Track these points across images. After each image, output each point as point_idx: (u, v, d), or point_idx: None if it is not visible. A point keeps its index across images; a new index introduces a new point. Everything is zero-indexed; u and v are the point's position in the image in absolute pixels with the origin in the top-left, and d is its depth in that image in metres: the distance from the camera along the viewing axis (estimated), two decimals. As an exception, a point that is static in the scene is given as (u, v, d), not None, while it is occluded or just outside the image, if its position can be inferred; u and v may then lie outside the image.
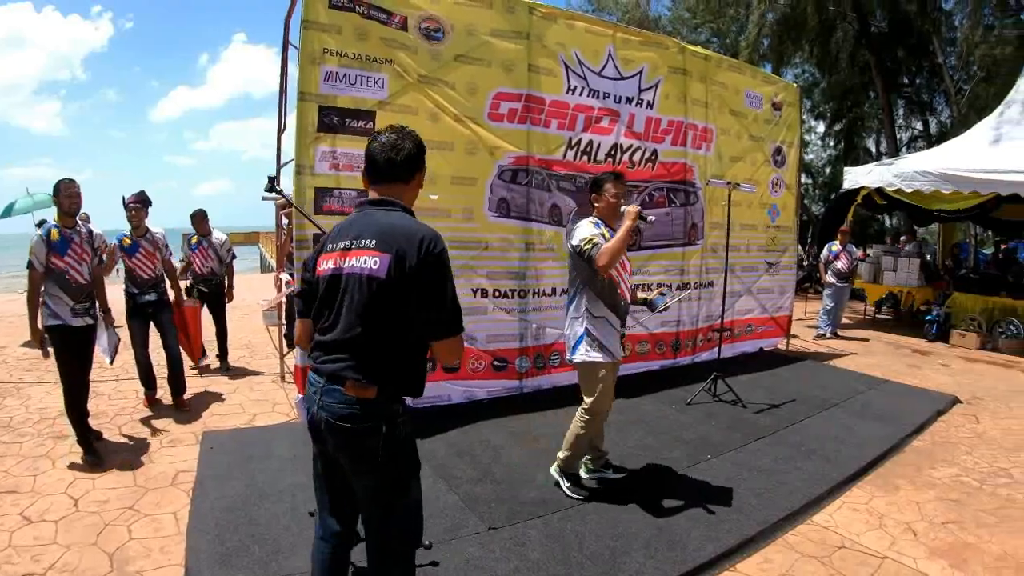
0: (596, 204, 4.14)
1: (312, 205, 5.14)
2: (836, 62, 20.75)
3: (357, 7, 5.22)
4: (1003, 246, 16.23)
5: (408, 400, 5.36)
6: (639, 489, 4.23)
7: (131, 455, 4.77)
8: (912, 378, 8.11)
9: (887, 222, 23.00)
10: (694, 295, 7.61)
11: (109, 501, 4.01)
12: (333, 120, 5.18)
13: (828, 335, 11.00)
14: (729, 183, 6.49)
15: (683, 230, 7.41)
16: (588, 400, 4.06)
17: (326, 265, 2.26)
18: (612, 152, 6.70)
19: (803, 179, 24.57)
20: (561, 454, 4.21)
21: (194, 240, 7.41)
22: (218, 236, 7.49)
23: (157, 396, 6.09)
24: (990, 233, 18.48)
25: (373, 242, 2.18)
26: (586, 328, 3.98)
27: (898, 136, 22.30)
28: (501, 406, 5.92)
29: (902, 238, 16.34)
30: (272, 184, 3.66)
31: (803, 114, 25.15)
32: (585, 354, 3.98)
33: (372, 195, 2.34)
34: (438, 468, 4.42)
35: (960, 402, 7.04)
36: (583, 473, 4.38)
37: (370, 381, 2.20)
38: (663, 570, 3.32)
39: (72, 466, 4.55)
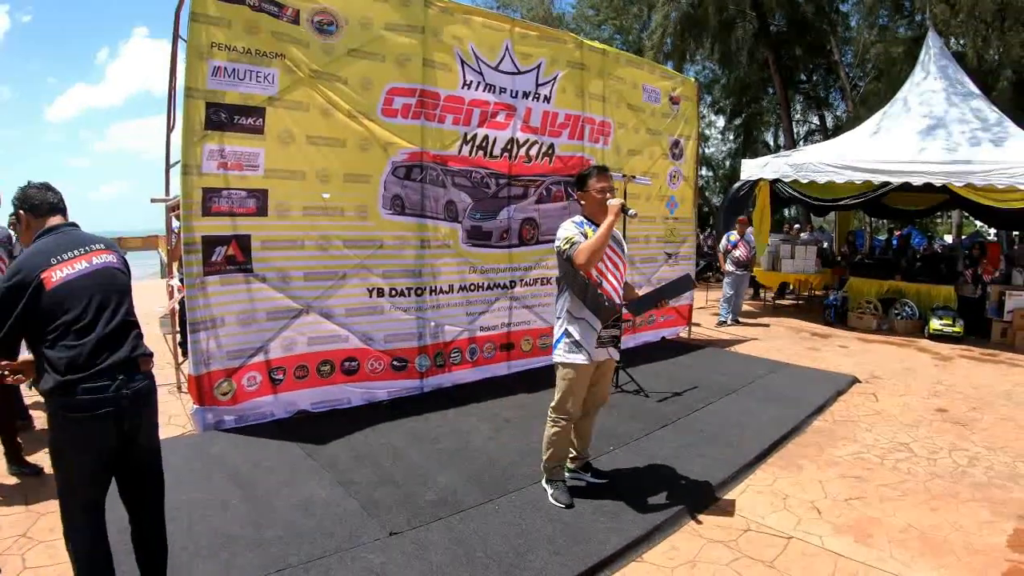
0: (581, 202, 4.15)
1: (200, 206, 5.08)
2: (736, 59, 21.83)
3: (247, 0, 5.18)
4: (896, 233, 17.47)
5: (308, 405, 5.44)
6: (536, 488, 4.31)
7: (23, 479, 4.57)
8: (812, 360, 8.65)
9: (787, 212, 24.30)
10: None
11: (1, 529, 3.87)
12: (221, 117, 5.12)
13: (729, 322, 11.55)
14: (624, 175, 6.76)
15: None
16: (555, 399, 4.12)
17: (64, 272, 2.63)
18: (509, 147, 6.88)
19: (704, 172, 25.84)
20: (543, 462, 4.26)
21: None
22: None
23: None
24: (885, 221, 19.88)
25: (101, 245, 2.82)
26: (566, 329, 4.02)
27: (796, 130, 23.82)
28: (402, 406, 6.00)
29: (796, 226, 17.29)
30: None
31: (704, 109, 26.31)
32: (563, 355, 4.03)
33: (54, 222, 2.82)
34: (338, 474, 4.47)
35: (859, 381, 7.57)
36: (564, 474, 4.44)
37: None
38: (568, 566, 3.42)
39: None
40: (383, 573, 3.32)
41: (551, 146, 7.28)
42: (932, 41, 12.88)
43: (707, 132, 28.42)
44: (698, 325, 10.83)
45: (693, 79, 9.63)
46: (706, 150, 28.14)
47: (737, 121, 25.97)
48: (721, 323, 11.56)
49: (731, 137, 27.55)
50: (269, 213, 5.42)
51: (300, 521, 3.81)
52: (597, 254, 3.80)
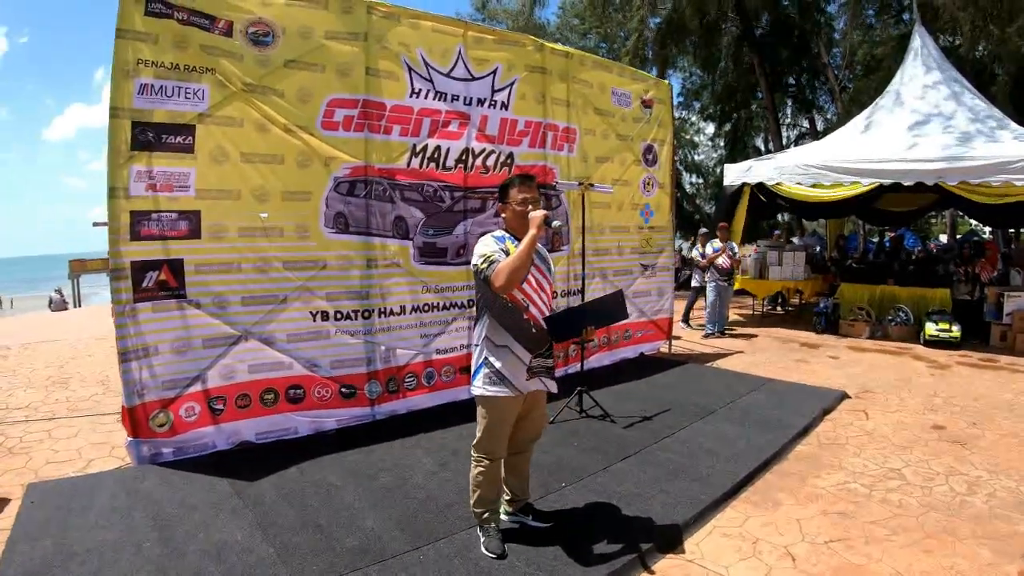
0: (502, 215, 3.88)
1: (128, 230, 4.96)
2: (721, 63, 22.12)
3: (176, 13, 5.05)
4: (889, 234, 17.28)
5: (252, 436, 5.12)
6: (471, 534, 4.01)
7: None
8: (799, 374, 8.40)
9: (780, 218, 24.35)
10: (562, 304, 7.68)
11: None
12: (149, 137, 5.00)
13: (715, 334, 11.36)
14: (581, 183, 6.59)
15: (546, 237, 7.40)
16: (476, 436, 3.82)
17: None
18: (463, 157, 6.71)
19: (694, 179, 25.94)
20: (471, 506, 3.96)
21: None
22: None
23: None
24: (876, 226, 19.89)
25: None
26: (485, 358, 3.71)
27: (786, 134, 24.19)
28: (351, 437, 5.82)
29: (776, 232, 17.14)
30: None
31: (692, 116, 26.49)
32: (481, 387, 3.71)
33: None
34: (261, 515, 4.30)
35: (849, 397, 7.28)
36: (502, 515, 4.15)
37: None
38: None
39: None
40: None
41: (510, 155, 7.11)
42: (920, 34, 12.77)
43: (696, 139, 28.79)
44: (679, 338, 10.68)
45: (667, 81, 9.39)
46: (696, 157, 28.30)
47: (727, 127, 26.00)
48: (707, 335, 11.39)
49: (721, 144, 27.58)
50: (203, 235, 5.29)
51: (208, 569, 3.64)
52: (518, 273, 3.49)
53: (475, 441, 3.86)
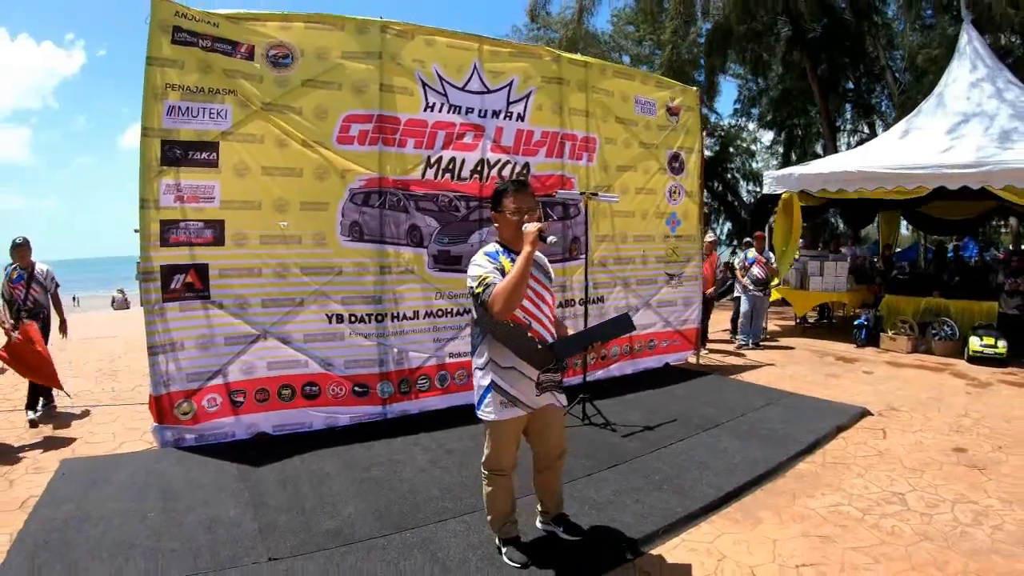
0: (496, 225, 3.75)
1: (158, 238, 5.67)
2: (771, 68, 22.36)
3: (201, 41, 5.74)
4: (951, 244, 16.85)
5: (269, 428, 5.65)
6: (438, 527, 4.36)
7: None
8: (826, 389, 8.33)
9: (838, 224, 23.87)
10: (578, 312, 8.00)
11: None
12: (176, 153, 5.71)
13: (750, 345, 11.39)
14: (583, 193, 6.93)
15: (562, 245, 7.83)
16: (485, 454, 3.83)
17: None
18: (479, 168, 7.16)
19: (751, 187, 25.75)
20: (488, 524, 4.04)
21: (14, 274, 7.58)
22: (40, 267, 7.78)
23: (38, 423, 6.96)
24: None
25: None
26: (492, 381, 3.64)
27: (846, 140, 24.09)
28: (359, 433, 6.33)
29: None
30: None
31: (750, 124, 26.25)
32: (494, 412, 3.66)
33: None
34: (256, 496, 4.87)
35: (870, 414, 7.12)
36: (538, 523, 4.27)
37: None
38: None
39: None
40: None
41: (526, 165, 7.48)
42: (967, 31, 12.59)
43: (753, 148, 28.63)
44: (715, 352, 10.81)
45: (694, 88, 9.52)
46: (753, 165, 28.00)
47: (783, 135, 25.96)
48: (741, 346, 11.44)
49: (780, 151, 27.34)
50: (226, 242, 5.96)
51: (199, 537, 4.24)
52: (517, 295, 3.38)
53: (484, 459, 3.88)
